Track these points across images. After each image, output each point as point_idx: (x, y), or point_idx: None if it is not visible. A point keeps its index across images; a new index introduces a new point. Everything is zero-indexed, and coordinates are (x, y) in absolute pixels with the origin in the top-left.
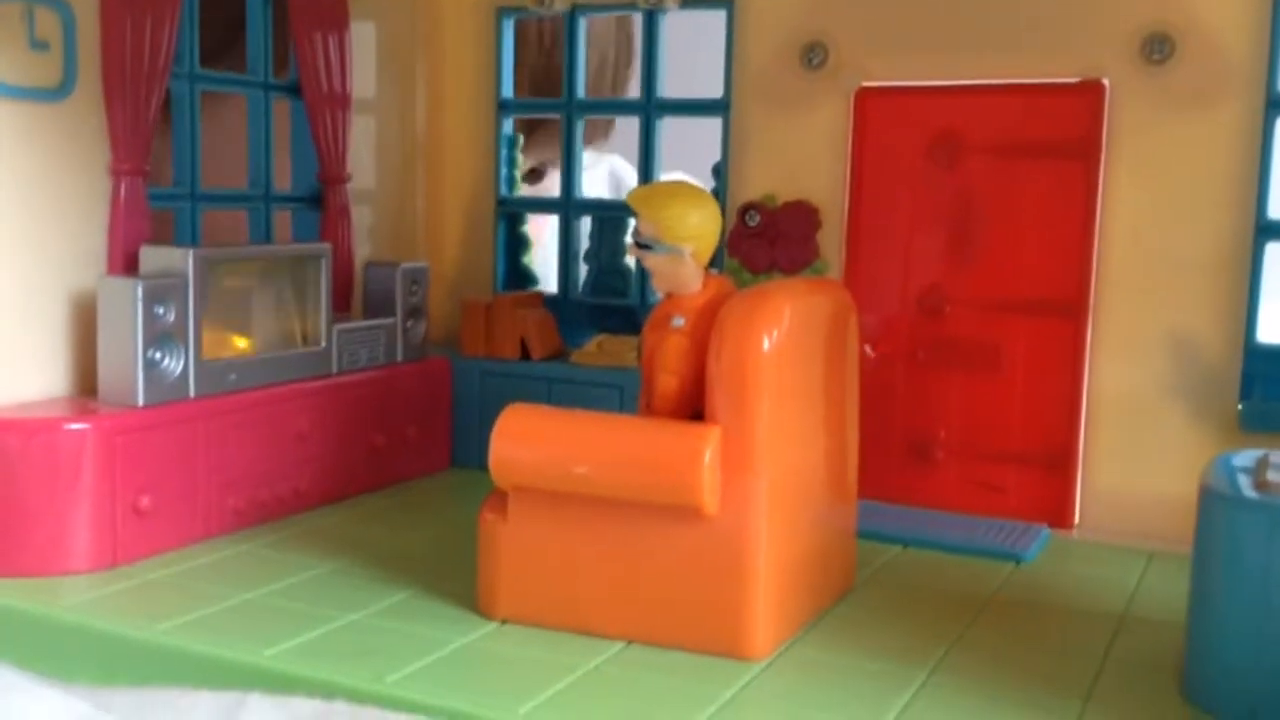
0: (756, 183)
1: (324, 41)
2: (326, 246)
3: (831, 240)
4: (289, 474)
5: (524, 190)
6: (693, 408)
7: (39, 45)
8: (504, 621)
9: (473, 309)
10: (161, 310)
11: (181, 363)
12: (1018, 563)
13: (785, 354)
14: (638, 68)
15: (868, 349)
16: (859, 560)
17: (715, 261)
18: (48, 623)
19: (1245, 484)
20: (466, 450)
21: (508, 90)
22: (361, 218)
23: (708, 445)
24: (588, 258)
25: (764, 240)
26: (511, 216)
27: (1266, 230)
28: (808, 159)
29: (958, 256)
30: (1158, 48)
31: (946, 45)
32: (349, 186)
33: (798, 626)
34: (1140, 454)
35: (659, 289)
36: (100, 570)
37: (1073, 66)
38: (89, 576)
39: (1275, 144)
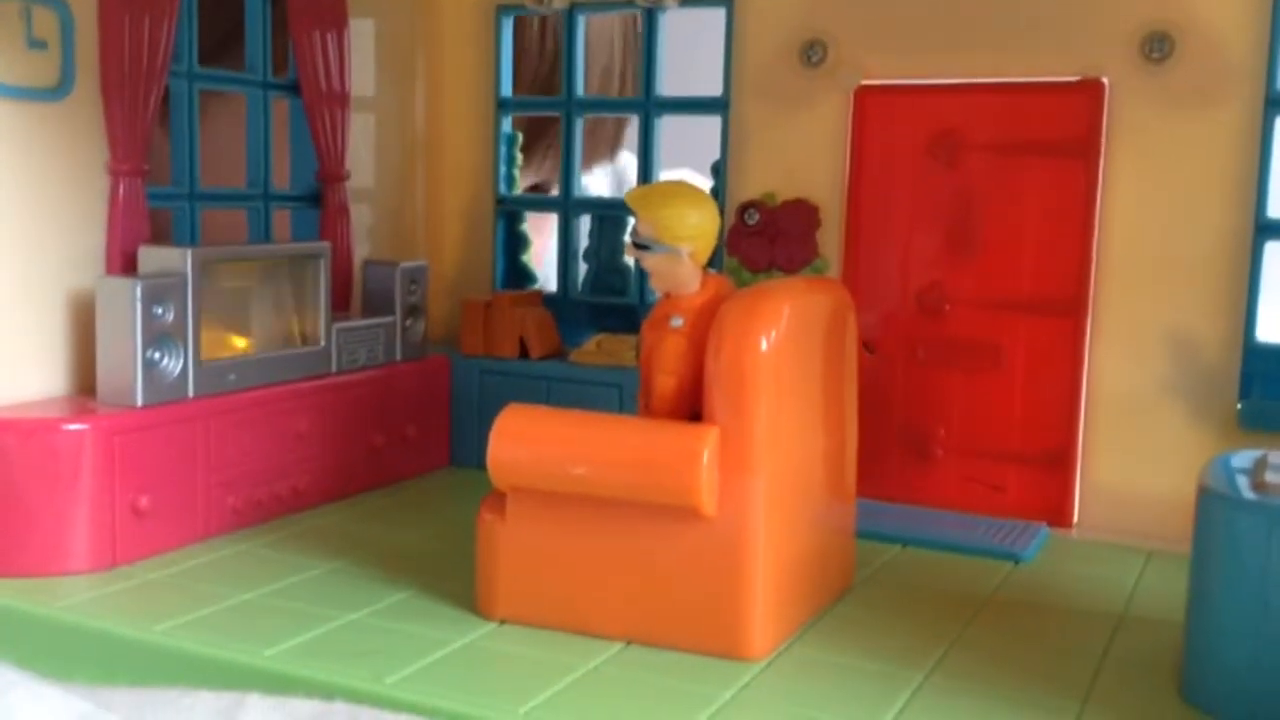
0: (756, 181)
1: (323, 40)
2: (325, 245)
3: (831, 239)
4: (288, 473)
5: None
6: (691, 408)
7: (37, 44)
8: (503, 621)
9: (472, 308)
10: (160, 310)
11: (180, 363)
12: (1016, 562)
13: (784, 354)
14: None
15: (867, 349)
16: (858, 560)
17: (714, 260)
18: (46, 623)
19: (1244, 484)
20: (465, 449)
21: (507, 88)
22: (360, 216)
23: (706, 445)
24: (587, 256)
25: (763, 239)
26: (511, 215)
27: (1266, 229)
28: (807, 157)
29: (957, 255)
30: (1157, 46)
31: (946, 43)
32: (348, 185)
33: (797, 626)
34: (1139, 453)
35: (657, 289)
36: (99, 570)
37: (1072, 65)
38: (88, 577)
39: (1275, 143)
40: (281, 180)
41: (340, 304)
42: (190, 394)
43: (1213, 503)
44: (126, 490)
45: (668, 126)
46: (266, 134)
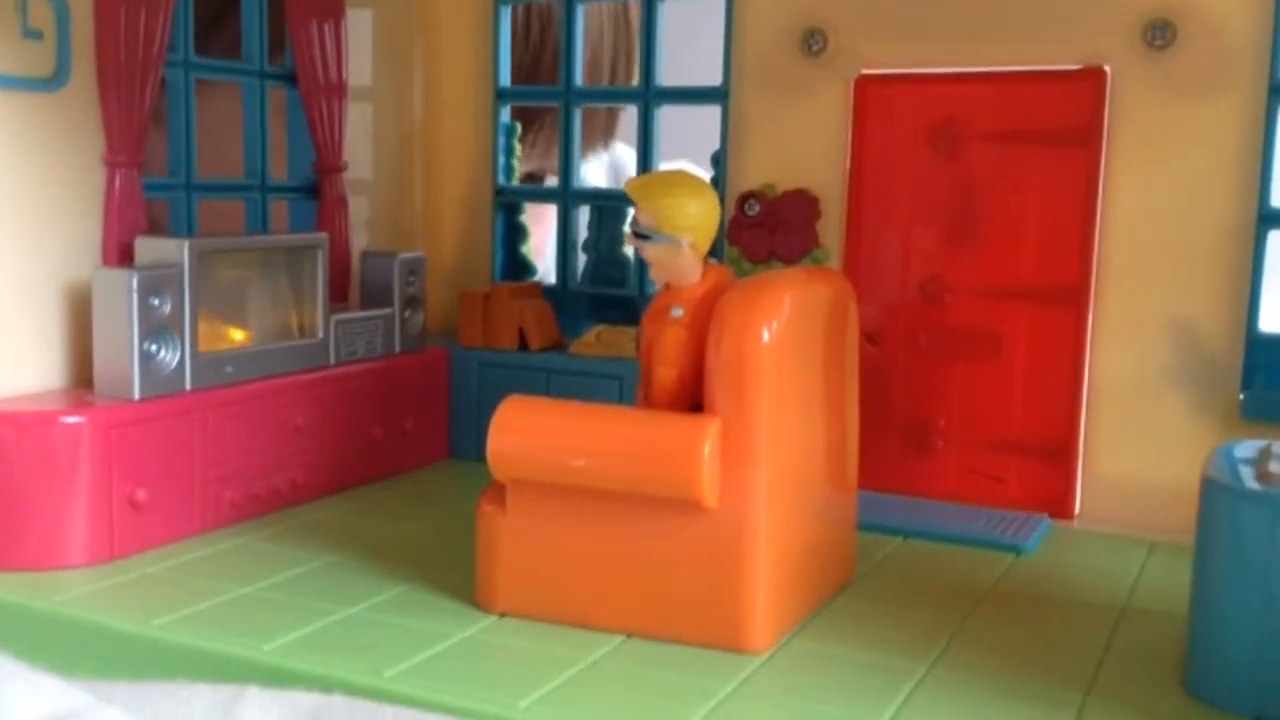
0: (756, 171)
1: (319, 30)
2: (323, 237)
3: (831, 229)
4: (286, 466)
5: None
6: (692, 399)
7: (32, 34)
8: (502, 615)
9: (471, 299)
10: (157, 302)
11: (178, 355)
12: (1018, 553)
13: (785, 345)
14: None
15: (868, 339)
16: (859, 552)
17: (715, 251)
18: (43, 617)
19: (1247, 475)
20: (465, 441)
21: (505, 78)
22: (359, 207)
23: (707, 437)
24: (586, 248)
25: (764, 229)
26: (509, 206)
27: (1269, 218)
28: (807, 147)
29: (958, 245)
30: (1159, 34)
31: (947, 32)
32: (345, 176)
33: (798, 619)
34: (1141, 444)
35: (657, 279)
36: (96, 564)
37: (1074, 53)
38: (85, 570)
39: (1278, 131)
40: (279, 171)
41: (338, 295)
42: (188, 386)
43: (1216, 493)
44: (124, 483)
45: (667, 117)
46: (263, 124)
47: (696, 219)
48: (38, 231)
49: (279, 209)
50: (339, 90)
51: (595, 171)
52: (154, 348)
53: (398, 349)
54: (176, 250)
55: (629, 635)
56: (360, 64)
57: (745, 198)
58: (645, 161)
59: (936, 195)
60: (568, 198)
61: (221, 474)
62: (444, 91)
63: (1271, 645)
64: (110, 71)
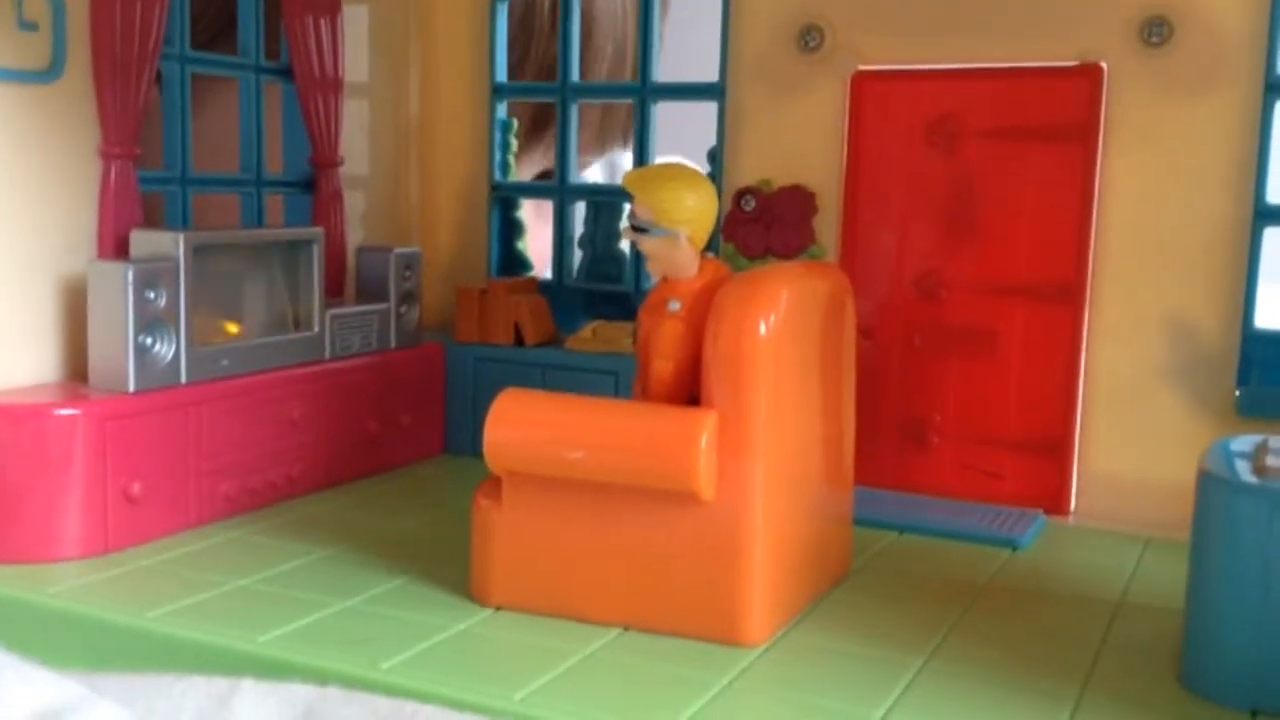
0: (752, 167)
1: (315, 24)
2: (319, 231)
3: (828, 225)
4: (281, 460)
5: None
6: (689, 392)
7: (27, 26)
8: (498, 608)
9: (467, 295)
10: (152, 295)
11: (173, 348)
12: (1014, 549)
13: (782, 338)
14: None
15: (864, 336)
16: (855, 546)
17: (711, 246)
18: (38, 610)
19: (1244, 469)
20: (460, 437)
21: (502, 74)
22: (354, 202)
23: (704, 430)
24: (582, 243)
25: (759, 225)
26: (505, 201)
27: (1265, 215)
28: (804, 143)
29: (955, 241)
30: (1156, 30)
31: (944, 28)
32: (341, 171)
33: (794, 612)
34: (1137, 440)
35: (654, 273)
36: (91, 557)
37: (1071, 49)
38: (80, 563)
39: (1274, 128)
40: (275, 165)
41: (334, 290)
42: (183, 380)
43: (1213, 487)
44: (119, 476)
45: (663, 113)
46: (259, 119)
47: (694, 212)
48: (33, 224)
49: (274, 203)
50: (335, 85)
51: (593, 173)
52: (149, 341)
53: (393, 344)
54: (172, 243)
55: (625, 628)
56: (357, 59)
57: (741, 194)
58: (642, 157)
59: (933, 192)
60: (564, 193)
61: (217, 467)
62: (440, 87)
63: (1268, 638)
64: (106, 64)
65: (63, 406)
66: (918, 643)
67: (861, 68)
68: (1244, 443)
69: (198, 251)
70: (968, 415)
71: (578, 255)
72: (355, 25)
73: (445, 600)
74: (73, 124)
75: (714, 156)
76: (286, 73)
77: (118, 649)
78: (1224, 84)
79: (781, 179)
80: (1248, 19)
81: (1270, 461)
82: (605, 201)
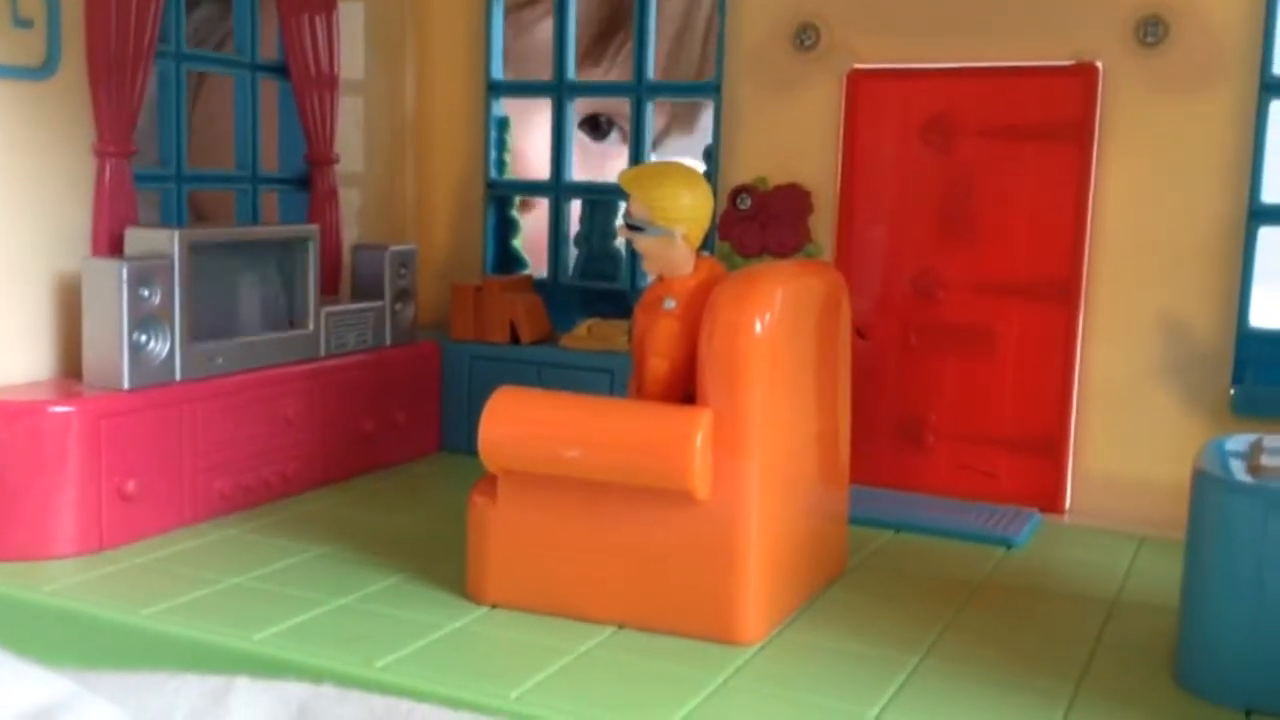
0: (748, 166)
1: (311, 22)
2: (314, 229)
3: (824, 224)
4: (276, 458)
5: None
6: (684, 390)
7: (22, 23)
8: (494, 606)
9: (462, 292)
10: (147, 292)
11: (167, 346)
12: (1009, 547)
13: (777, 337)
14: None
15: (860, 334)
16: (851, 545)
17: (707, 244)
18: (32, 607)
19: (1239, 468)
20: (455, 434)
21: (498, 71)
22: (350, 199)
23: (699, 429)
24: (578, 241)
25: (755, 224)
26: (501, 199)
27: (1259, 214)
28: (800, 142)
29: (950, 240)
30: (1151, 30)
31: (939, 27)
32: (337, 168)
33: (789, 611)
34: (1132, 438)
35: (650, 271)
36: (85, 554)
37: (1066, 49)
38: (74, 560)
39: (1269, 127)
40: (270, 163)
41: (329, 288)
42: (177, 377)
43: (1208, 485)
44: (113, 474)
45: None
46: (254, 116)
47: (690, 211)
48: (27, 221)
49: (270, 201)
50: (330, 82)
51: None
52: (143, 338)
53: (388, 342)
54: (167, 241)
55: (620, 626)
56: (352, 56)
57: (737, 192)
58: (637, 155)
59: (928, 190)
60: (559, 191)
61: (211, 465)
62: (436, 84)
63: (1262, 637)
64: (101, 61)
65: (57, 404)
66: (913, 641)
67: (857, 66)
68: (1239, 442)
69: (193, 249)
70: (963, 414)
71: (573, 253)
72: (351, 22)
73: (440, 598)
74: (67, 121)
75: (710, 155)
76: (282, 70)
77: (112, 647)
78: (1219, 83)
79: (777, 177)
80: (1243, 18)
81: (1265, 461)
82: (601, 199)
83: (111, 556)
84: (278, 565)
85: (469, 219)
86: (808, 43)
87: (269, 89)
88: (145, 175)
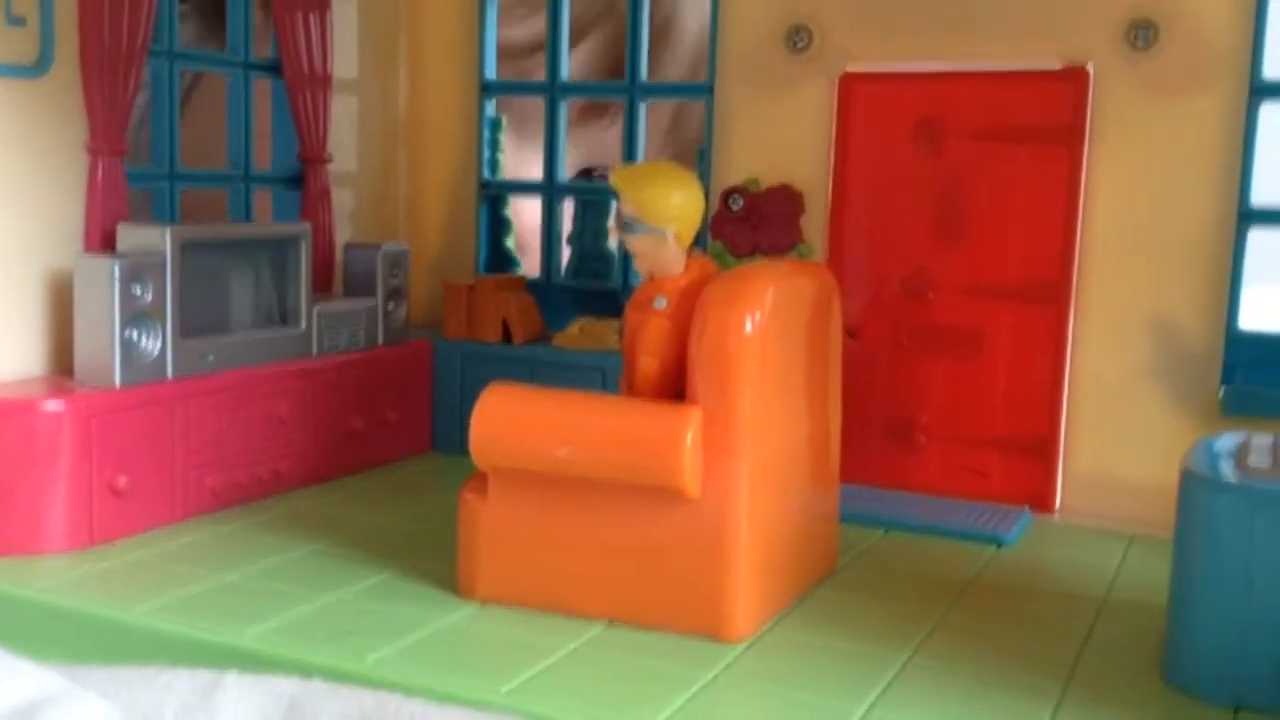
0: (740, 166)
1: (304, 21)
2: (306, 227)
3: (815, 225)
4: (268, 455)
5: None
6: (675, 389)
7: (15, 21)
8: (484, 602)
9: (454, 291)
10: (139, 289)
11: (159, 342)
12: (999, 546)
13: (767, 336)
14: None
15: (851, 335)
16: (842, 544)
17: (699, 244)
18: (23, 603)
19: (1227, 467)
20: (447, 433)
21: (491, 71)
22: (343, 199)
23: (689, 427)
24: (570, 241)
25: (747, 224)
26: (494, 199)
27: (1249, 216)
28: (792, 143)
29: (941, 241)
30: (1141, 34)
31: (931, 30)
32: (330, 167)
33: (779, 608)
34: (1122, 438)
35: (641, 270)
36: (77, 550)
37: (1057, 52)
38: (65, 557)
39: (1258, 130)
40: (263, 161)
41: (321, 286)
42: (169, 374)
43: (1195, 485)
44: (104, 470)
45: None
46: (247, 115)
47: (680, 210)
48: (19, 218)
49: (262, 199)
50: (324, 82)
51: None
52: (135, 335)
53: (381, 340)
54: (159, 238)
55: (610, 623)
56: (346, 56)
57: (729, 193)
58: (631, 155)
59: (920, 192)
60: (552, 191)
61: (203, 462)
62: (430, 84)
63: (1250, 635)
64: (94, 59)
65: (49, 401)
66: (902, 639)
67: (849, 68)
68: (1227, 441)
69: (185, 247)
70: (954, 414)
71: (565, 252)
72: (345, 21)
73: (431, 594)
74: (60, 119)
75: (703, 155)
76: (275, 69)
77: (103, 643)
78: (1209, 87)
79: (770, 178)
80: (1232, 22)
81: (1252, 461)
82: (593, 200)
83: (103, 552)
84: (269, 562)
85: (462, 218)
86: (800, 45)
87: (262, 87)
88: (138, 174)
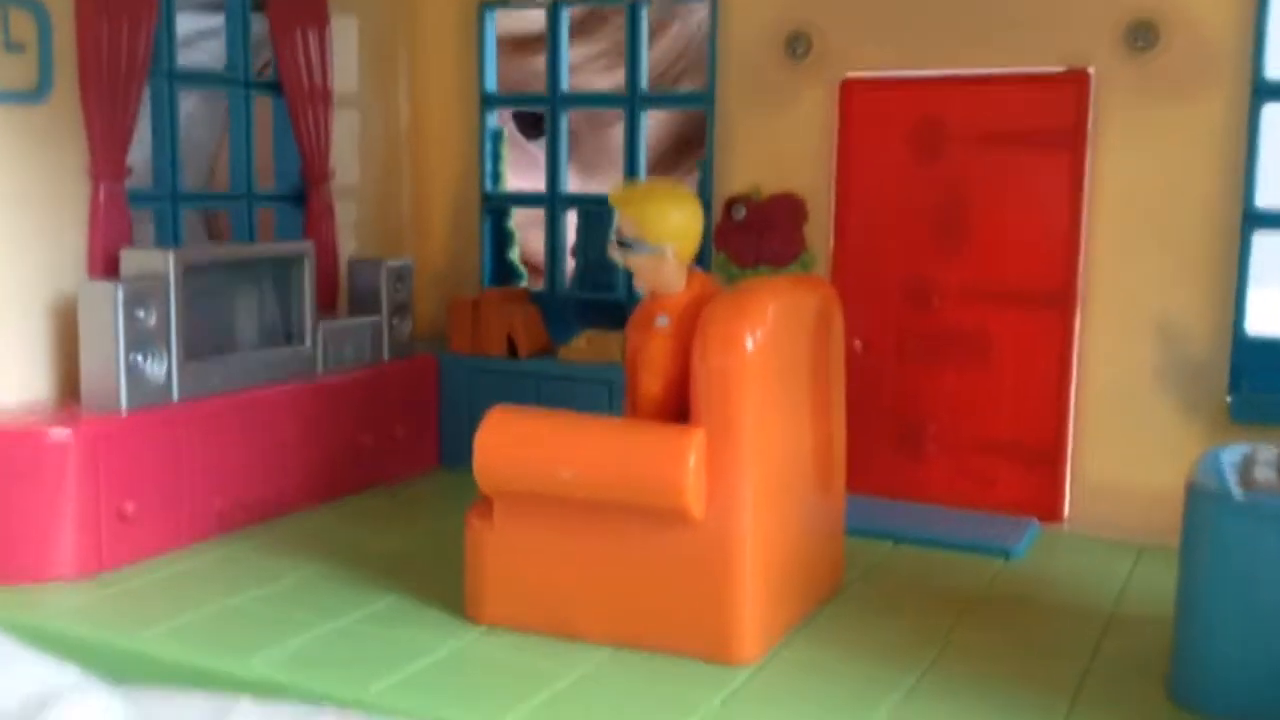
0: (742, 175)
1: (304, 38)
2: (309, 245)
3: (818, 232)
4: (274, 476)
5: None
6: (678, 407)
7: (14, 48)
8: (491, 626)
9: (459, 306)
10: (143, 313)
11: (164, 366)
12: (1007, 558)
13: (769, 354)
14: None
15: (857, 344)
16: (849, 558)
17: (703, 253)
18: (32, 631)
19: (1232, 482)
20: (455, 449)
21: (492, 84)
22: (346, 214)
23: (691, 448)
24: (575, 252)
25: (751, 233)
26: (497, 212)
27: (1254, 219)
28: (793, 151)
29: (945, 247)
30: (1142, 36)
31: (931, 35)
32: (333, 183)
33: (787, 629)
34: (1130, 446)
35: (642, 288)
36: (85, 576)
37: (1057, 55)
38: (73, 583)
39: (1261, 132)
40: (266, 179)
41: (326, 303)
42: (174, 397)
43: (1200, 500)
44: (111, 495)
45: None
46: (249, 134)
47: (679, 228)
48: (23, 244)
49: (266, 216)
50: (325, 98)
51: None
52: (140, 359)
53: (386, 356)
54: (161, 262)
55: (617, 647)
56: (346, 71)
57: (732, 202)
58: (632, 166)
59: (923, 198)
60: (555, 202)
61: (210, 484)
62: (431, 97)
63: (1256, 652)
64: (93, 84)
65: (55, 426)
66: (909, 658)
67: (849, 75)
68: (1233, 453)
69: (188, 270)
70: (962, 423)
71: (570, 264)
72: (344, 37)
73: (438, 618)
74: (61, 144)
75: (705, 164)
76: (276, 87)
77: (111, 670)
78: (1211, 88)
79: (771, 186)
80: (1232, 24)
81: (1258, 474)
82: (596, 210)
83: (111, 578)
84: (276, 585)
85: (465, 232)
86: (800, 52)
87: (263, 105)
88: (141, 195)
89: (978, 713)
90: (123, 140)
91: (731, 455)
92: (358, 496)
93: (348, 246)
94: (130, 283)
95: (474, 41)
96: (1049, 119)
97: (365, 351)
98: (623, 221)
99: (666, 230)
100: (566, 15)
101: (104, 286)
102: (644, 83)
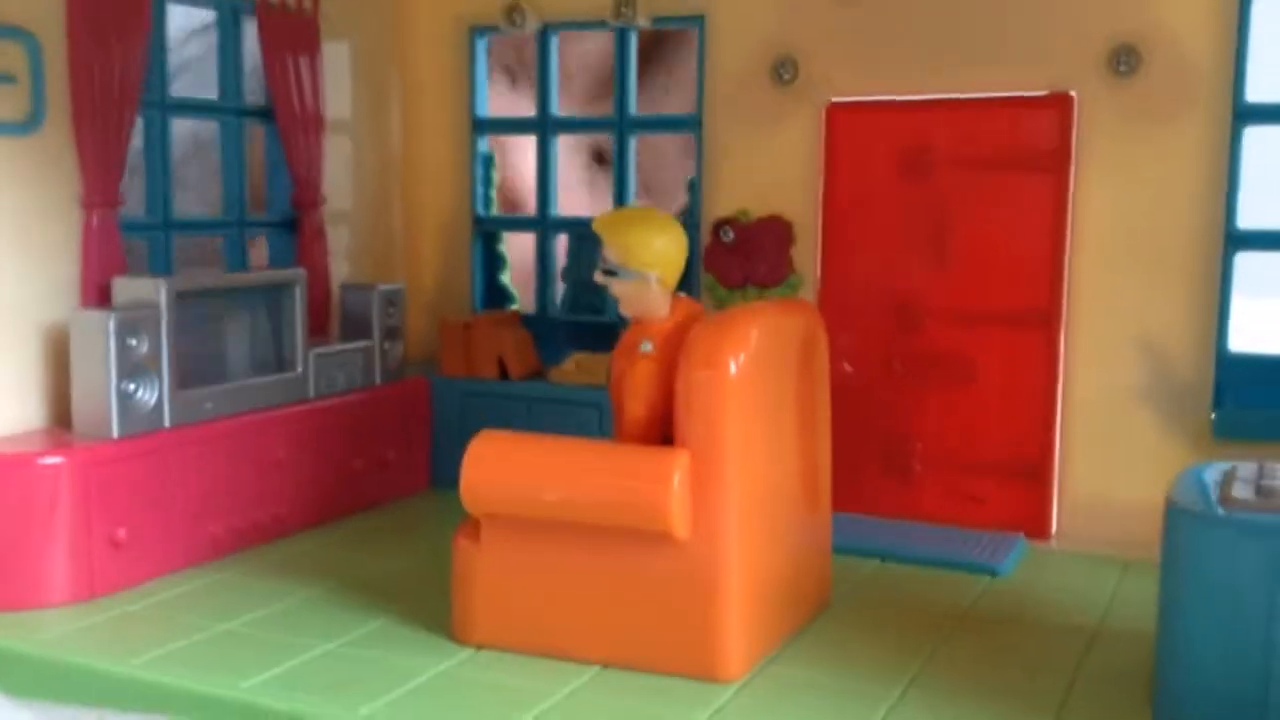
0: (730, 198)
1: (295, 64)
2: (301, 273)
3: (806, 255)
4: (267, 501)
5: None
6: (664, 432)
7: (5, 79)
8: (479, 647)
9: (451, 329)
10: (135, 342)
11: (156, 393)
12: (993, 575)
13: (753, 377)
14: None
15: (846, 366)
16: (836, 576)
17: (691, 275)
18: (24, 659)
19: (1211, 499)
20: (447, 471)
21: (483, 108)
22: (338, 238)
23: (676, 470)
24: (565, 275)
25: (738, 256)
26: (488, 235)
27: (1235, 239)
28: (781, 174)
29: (932, 269)
30: (1125, 60)
31: (916, 60)
32: (325, 208)
33: (773, 647)
34: (1116, 464)
35: (626, 314)
36: (77, 603)
37: (1041, 79)
38: (66, 610)
39: (1243, 154)
40: (258, 204)
41: (318, 328)
42: (167, 424)
43: (1179, 518)
44: (104, 522)
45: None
46: (240, 161)
47: (663, 254)
48: (15, 273)
49: (258, 242)
50: (316, 124)
51: None
52: (132, 387)
53: (378, 380)
54: (153, 290)
55: (604, 666)
56: (338, 95)
57: (720, 225)
58: (620, 190)
59: (909, 220)
60: (545, 226)
61: (202, 510)
62: (422, 122)
63: (1236, 669)
64: (85, 113)
65: (47, 454)
66: (895, 675)
67: (835, 99)
68: (1213, 471)
69: (180, 298)
70: (948, 442)
71: (560, 287)
72: (336, 62)
73: (427, 640)
74: (53, 174)
75: (693, 188)
76: (268, 113)
77: (104, 696)
78: (1192, 112)
79: (759, 210)
80: (1214, 48)
81: (1236, 492)
82: (587, 233)
83: (103, 605)
84: (268, 610)
85: (457, 255)
86: (786, 76)
87: (255, 132)
88: (132, 224)
89: None
90: (116, 168)
91: (715, 476)
92: (351, 519)
93: (340, 271)
94: (122, 311)
95: (465, 66)
96: (1033, 142)
97: (357, 376)
98: (607, 248)
99: (650, 257)
100: (556, 41)
101: (96, 315)
102: (633, 107)
